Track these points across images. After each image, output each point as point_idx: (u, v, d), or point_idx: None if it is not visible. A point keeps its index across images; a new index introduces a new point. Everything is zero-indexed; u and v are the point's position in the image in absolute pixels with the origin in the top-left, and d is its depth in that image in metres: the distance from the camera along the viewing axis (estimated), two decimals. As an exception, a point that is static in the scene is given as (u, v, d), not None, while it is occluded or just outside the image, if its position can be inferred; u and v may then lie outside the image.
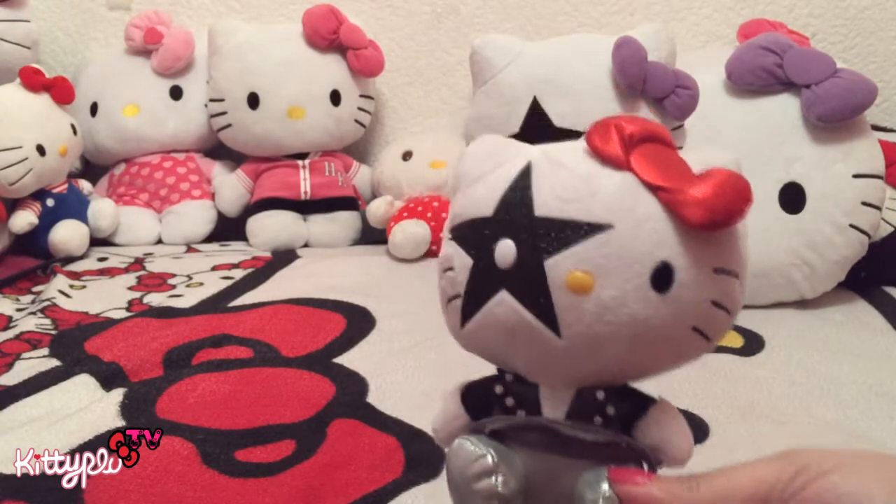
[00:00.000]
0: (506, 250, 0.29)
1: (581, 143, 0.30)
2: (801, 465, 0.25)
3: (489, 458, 0.30)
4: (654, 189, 0.28)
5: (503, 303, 0.29)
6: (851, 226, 0.90)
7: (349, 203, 1.27)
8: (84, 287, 1.01)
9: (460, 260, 0.31)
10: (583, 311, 0.28)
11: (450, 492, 0.32)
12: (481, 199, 0.31)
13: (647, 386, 0.32)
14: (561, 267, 0.28)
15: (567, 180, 0.29)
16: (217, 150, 1.34)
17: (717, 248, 0.29)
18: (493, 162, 0.31)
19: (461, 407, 0.33)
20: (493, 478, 0.30)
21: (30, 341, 0.79)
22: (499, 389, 0.32)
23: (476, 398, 0.33)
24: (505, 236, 0.29)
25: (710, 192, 0.27)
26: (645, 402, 0.31)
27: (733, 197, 0.27)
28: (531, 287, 0.28)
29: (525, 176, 0.30)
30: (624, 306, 0.28)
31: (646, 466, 0.30)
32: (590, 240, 0.28)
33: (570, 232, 0.28)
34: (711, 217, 0.27)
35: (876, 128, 0.98)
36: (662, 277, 0.28)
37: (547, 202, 0.29)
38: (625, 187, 0.28)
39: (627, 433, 0.30)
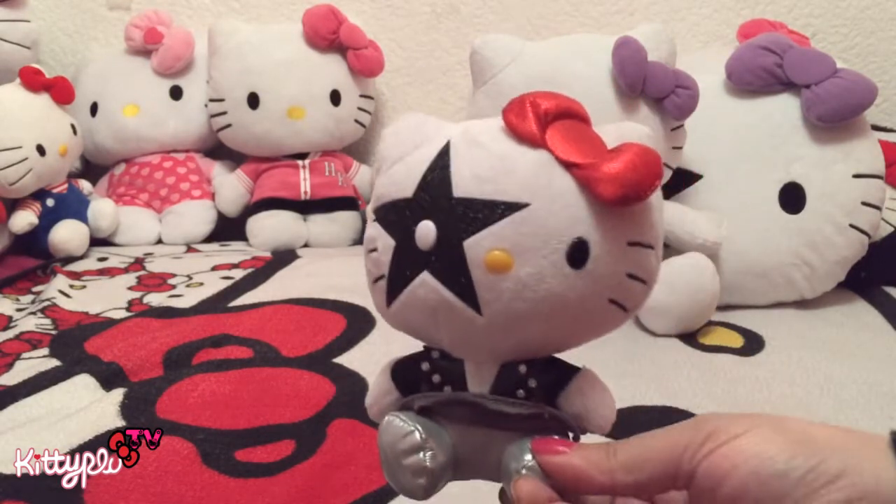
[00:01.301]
0: (426, 232, 0.29)
1: (498, 121, 0.30)
2: (711, 430, 0.26)
3: (417, 435, 0.31)
4: (568, 166, 0.29)
5: (425, 283, 0.30)
6: (851, 226, 0.90)
7: (349, 203, 1.27)
8: (84, 287, 1.01)
9: (383, 241, 0.31)
10: (502, 290, 0.28)
11: (382, 466, 0.32)
12: (402, 181, 0.31)
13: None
14: (480, 247, 0.28)
15: (484, 160, 0.29)
16: (217, 150, 1.34)
17: (630, 222, 0.29)
18: (413, 142, 0.32)
19: (391, 383, 0.34)
20: (422, 453, 0.31)
21: (30, 341, 0.79)
22: (425, 367, 0.32)
23: (405, 374, 0.33)
24: (425, 218, 0.29)
25: (622, 168, 0.28)
26: (569, 372, 0.31)
27: (644, 172, 0.28)
28: (452, 268, 0.29)
29: (444, 156, 0.30)
30: (542, 283, 0.28)
31: (571, 436, 0.31)
32: (507, 219, 0.28)
33: (488, 212, 0.28)
34: (623, 192, 0.28)
35: (876, 128, 0.98)
36: (578, 253, 0.28)
37: (465, 182, 0.29)
38: (540, 165, 0.29)
39: (552, 403, 0.31)
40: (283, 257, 1.14)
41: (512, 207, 0.28)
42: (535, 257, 0.28)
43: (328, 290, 0.93)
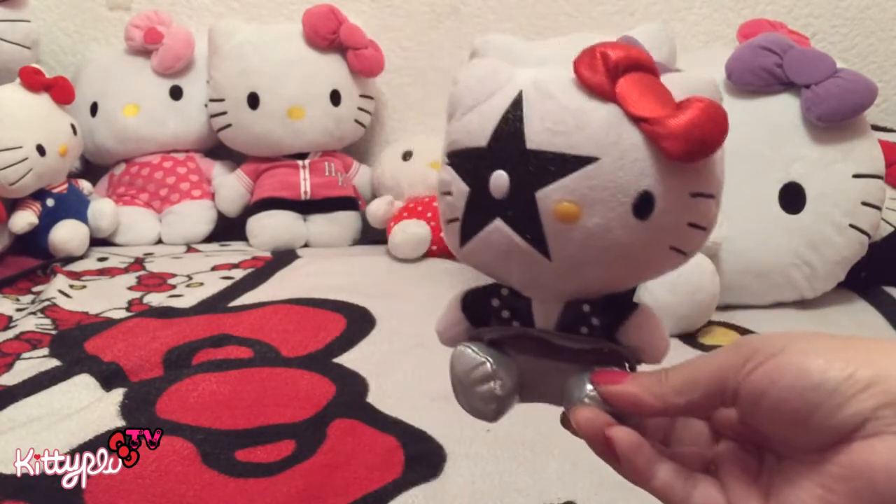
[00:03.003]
0: (500, 182, 0.31)
1: (569, 72, 0.31)
2: (752, 350, 0.28)
3: (488, 366, 0.34)
4: (636, 120, 0.30)
5: (498, 230, 0.31)
6: (851, 226, 0.90)
7: (349, 203, 1.27)
8: (84, 287, 1.01)
9: (457, 186, 0.33)
10: (571, 238, 0.30)
11: (454, 391, 0.35)
12: (476, 130, 0.33)
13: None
14: (550, 198, 0.30)
15: (556, 112, 0.31)
16: (217, 150, 1.34)
17: (695, 175, 0.31)
18: (487, 90, 0.33)
19: (461, 314, 0.36)
20: (493, 382, 0.34)
21: (30, 341, 0.79)
22: (495, 303, 0.35)
23: (475, 307, 0.36)
24: (498, 168, 0.31)
25: (688, 125, 0.29)
26: (627, 309, 0.33)
27: (710, 129, 0.29)
28: (524, 217, 0.31)
29: (516, 107, 0.31)
30: (608, 233, 0.30)
31: (627, 367, 0.33)
32: (577, 172, 0.30)
33: (559, 165, 0.30)
34: (688, 149, 0.29)
35: (876, 128, 0.98)
36: (644, 205, 0.30)
37: (537, 134, 0.31)
38: (610, 121, 0.30)
39: (612, 336, 0.33)
40: (283, 257, 1.14)
41: (582, 161, 0.30)
42: (602, 209, 0.30)
43: (328, 290, 0.93)
